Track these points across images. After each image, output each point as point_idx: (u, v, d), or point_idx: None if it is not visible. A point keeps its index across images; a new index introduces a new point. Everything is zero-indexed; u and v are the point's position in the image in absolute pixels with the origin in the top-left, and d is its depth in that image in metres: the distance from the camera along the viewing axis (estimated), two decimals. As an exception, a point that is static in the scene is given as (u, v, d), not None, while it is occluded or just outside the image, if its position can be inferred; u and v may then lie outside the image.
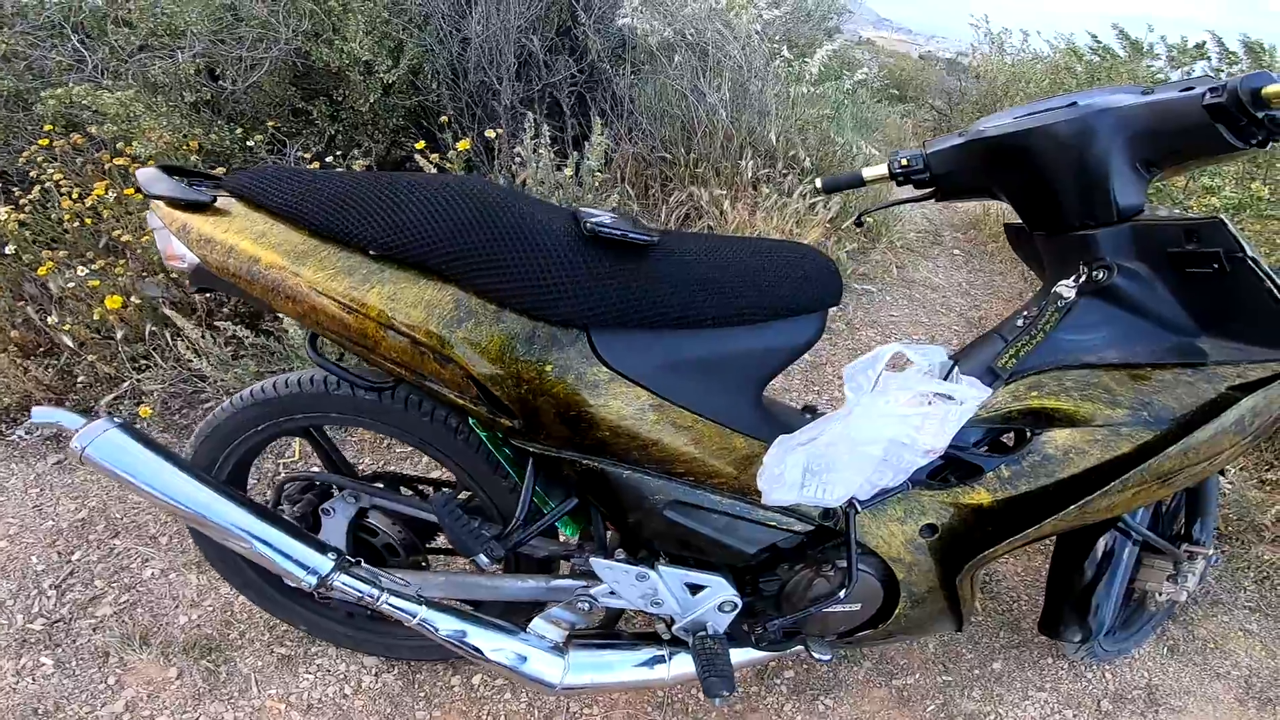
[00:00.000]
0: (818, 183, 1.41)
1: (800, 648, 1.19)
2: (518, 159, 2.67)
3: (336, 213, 0.90)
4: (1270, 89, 0.92)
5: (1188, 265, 1.06)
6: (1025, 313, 1.17)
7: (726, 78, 3.15)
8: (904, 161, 1.24)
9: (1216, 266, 1.03)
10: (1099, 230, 1.10)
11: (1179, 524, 1.61)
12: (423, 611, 1.05)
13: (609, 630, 1.28)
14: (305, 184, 0.93)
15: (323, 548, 1.04)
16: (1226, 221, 1.03)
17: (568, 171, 2.58)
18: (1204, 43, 3.86)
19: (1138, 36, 4.21)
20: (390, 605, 1.04)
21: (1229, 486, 2.18)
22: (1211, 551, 1.53)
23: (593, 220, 0.90)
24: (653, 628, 1.22)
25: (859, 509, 1.04)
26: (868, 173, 1.30)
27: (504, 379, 0.89)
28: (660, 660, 1.16)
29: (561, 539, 1.22)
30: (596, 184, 2.59)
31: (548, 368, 0.89)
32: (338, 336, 0.92)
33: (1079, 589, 1.46)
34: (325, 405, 1.10)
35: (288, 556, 1.00)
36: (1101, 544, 1.43)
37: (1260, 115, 0.95)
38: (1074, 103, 1.09)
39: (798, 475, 0.93)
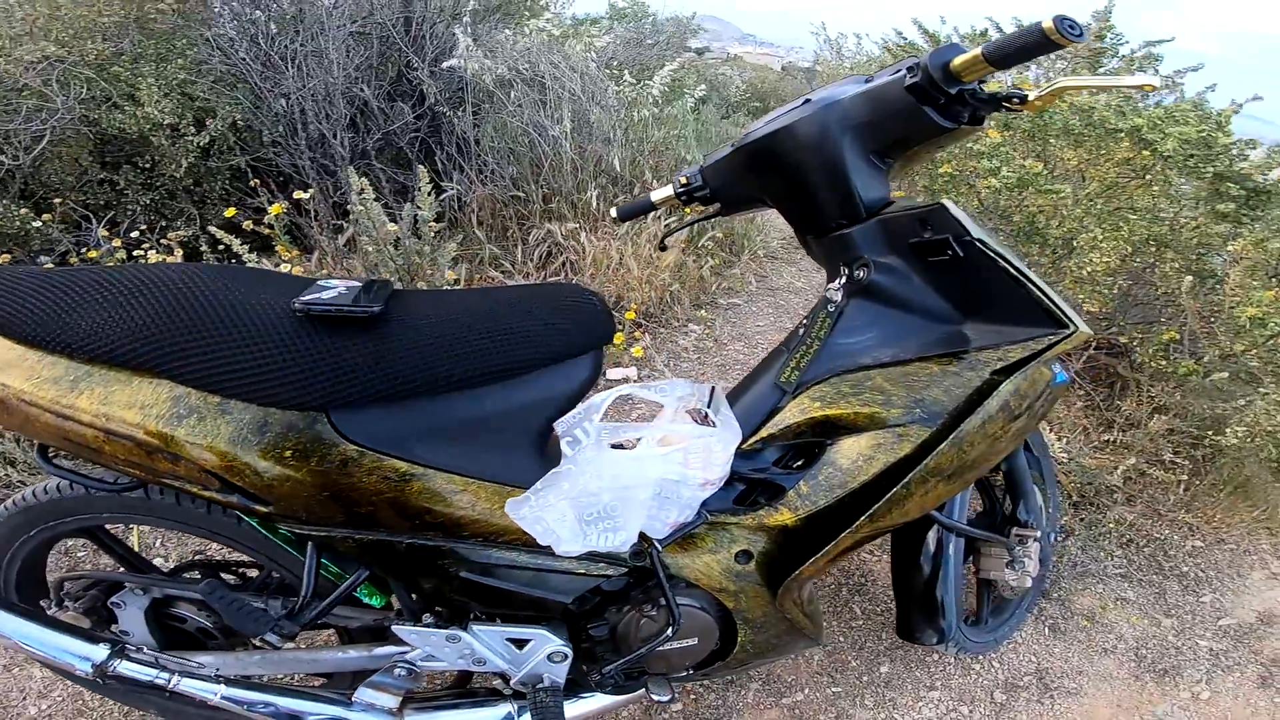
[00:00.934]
0: (613, 212, 1.38)
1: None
2: (354, 214, 2.56)
3: (38, 316, 0.83)
4: (958, 61, 0.91)
5: (929, 254, 1.06)
6: (805, 321, 1.16)
7: (566, 109, 3.17)
8: (684, 180, 1.23)
9: (951, 252, 1.03)
10: (853, 229, 1.09)
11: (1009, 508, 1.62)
12: (223, 689, 1.03)
13: (461, 689, 1.23)
14: (7, 287, 0.85)
15: (94, 638, 1.02)
16: (948, 205, 1.03)
17: (399, 225, 2.49)
18: (985, 30, 4.25)
19: (934, 29, 4.59)
20: (187, 687, 1.02)
21: (1065, 455, 2.32)
22: (1038, 532, 1.54)
23: (303, 299, 0.83)
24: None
25: (660, 547, 1.00)
26: (656, 195, 1.29)
27: (243, 469, 0.82)
28: (511, 716, 1.12)
29: (373, 606, 1.15)
30: (434, 234, 2.51)
31: (287, 453, 0.83)
32: (60, 445, 0.86)
33: (919, 590, 1.46)
34: (92, 507, 1.04)
35: (58, 650, 1.01)
36: (931, 541, 1.43)
37: (954, 91, 0.94)
38: (808, 99, 1.09)
39: (574, 526, 0.90)
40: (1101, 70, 3.03)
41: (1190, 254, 1.91)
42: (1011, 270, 1.04)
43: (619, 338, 2.71)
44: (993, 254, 1.03)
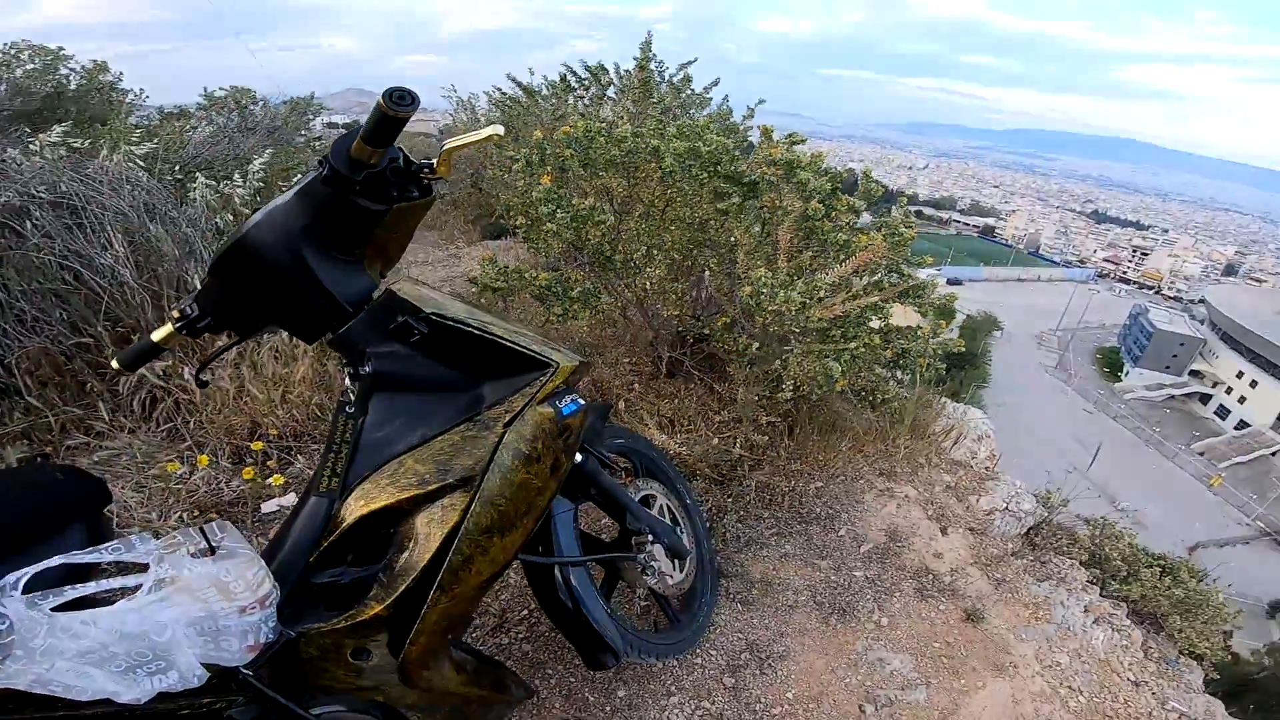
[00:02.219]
0: (114, 363, 1.20)
1: None
2: None
3: None
4: (356, 149, 0.92)
5: (409, 335, 1.08)
6: (332, 425, 1.15)
7: (115, 231, 2.68)
8: (177, 314, 1.09)
9: (420, 332, 1.07)
10: (343, 328, 1.07)
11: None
12: None
13: None
14: None
15: None
16: (396, 289, 1.07)
17: None
18: (564, 74, 4.72)
19: (535, 82, 4.97)
20: None
21: (673, 447, 2.55)
22: (649, 536, 1.63)
23: None
24: None
25: (250, 672, 0.95)
26: (157, 335, 1.14)
27: None
28: None
29: None
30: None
31: None
32: None
33: (574, 624, 1.50)
34: None
35: None
36: (557, 579, 1.46)
37: (363, 175, 0.95)
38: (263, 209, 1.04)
39: (109, 679, 0.82)
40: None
41: (721, 248, 2.26)
42: (475, 332, 1.10)
43: (248, 472, 2.36)
44: (453, 323, 1.08)
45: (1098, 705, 2.22)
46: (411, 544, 1.07)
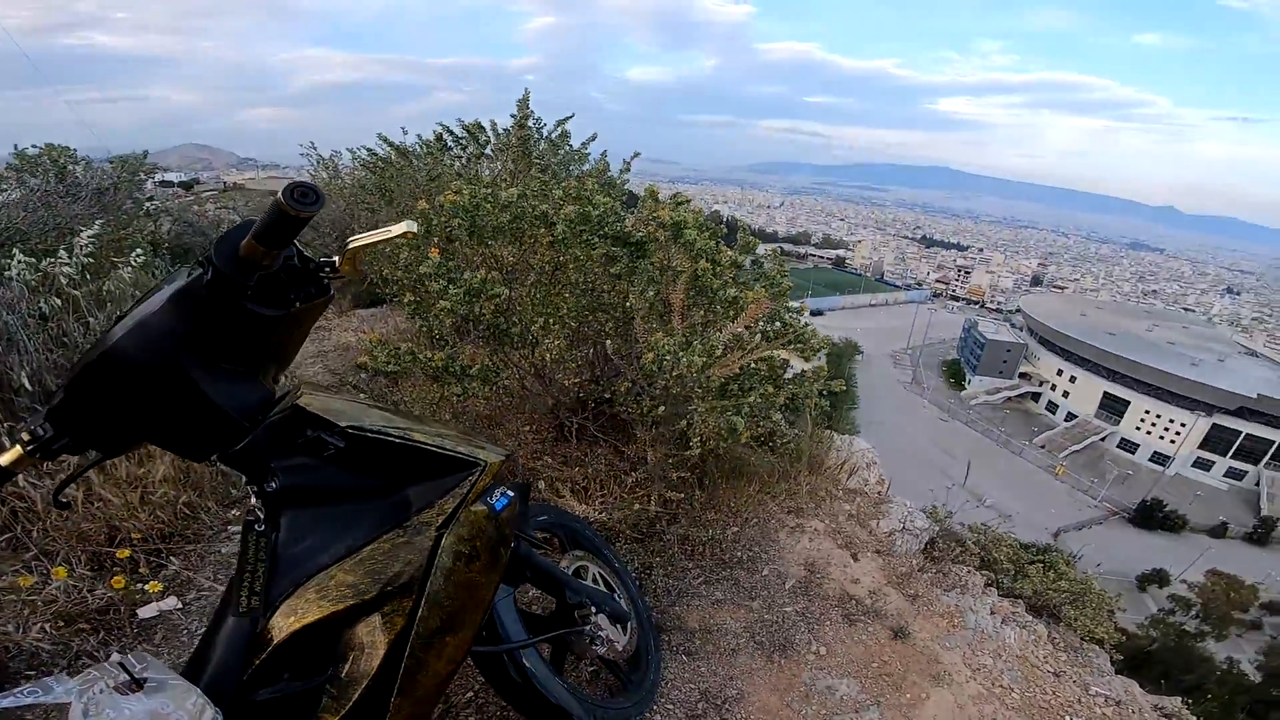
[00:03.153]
0: None
1: None
2: None
3: None
4: (247, 248, 0.83)
5: (319, 449, 1.02)
6: (241, 547, 1.07)
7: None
8: (27, 436, 0.93)
9: (335, 446, 1.02)
10: (241, 444, 0.98)
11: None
12: None
13: None
14: None
15: None
16: (303, 405, 1.01)
17: None
18: (440, 133, 4.67)
19: (409, 140, 4.87)
20: None
21: (592, 514, 2.55)
22: (592, 607, 1.68)
23: None
24: None
25: None
26: (4, 460, 0.95)
27: None
28: None
29: None
30: None
31: None
32: None
33: (534, 706, 1.50)
34: None
35: None
36: (508, 664, 1.46)
37: (255, 278, 0.87)
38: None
39: None
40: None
41: (617, 312, 2.28)
42: (397, 440, 1.07)
43: (118, 580, 2.05)
44: (373, 434, 1.04)
45: (1031, 699, 2.40)
46: (357, 653, 1.03)
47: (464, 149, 4.82)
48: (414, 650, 1.03)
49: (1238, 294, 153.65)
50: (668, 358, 1.89)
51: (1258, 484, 49.20)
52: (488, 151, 4.84)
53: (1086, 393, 59.07)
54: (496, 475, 1.19)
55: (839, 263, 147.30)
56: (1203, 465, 51.99)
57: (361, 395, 3.41)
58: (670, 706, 2.04)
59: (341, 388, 3.58)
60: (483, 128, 4.79)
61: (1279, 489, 48.07)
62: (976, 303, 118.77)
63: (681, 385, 2.01)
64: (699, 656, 2.28)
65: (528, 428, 3.17)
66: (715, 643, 2.34)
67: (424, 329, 2.19)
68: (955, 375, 69.79)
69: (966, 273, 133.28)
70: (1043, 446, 55.09)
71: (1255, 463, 50.30)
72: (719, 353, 1.93)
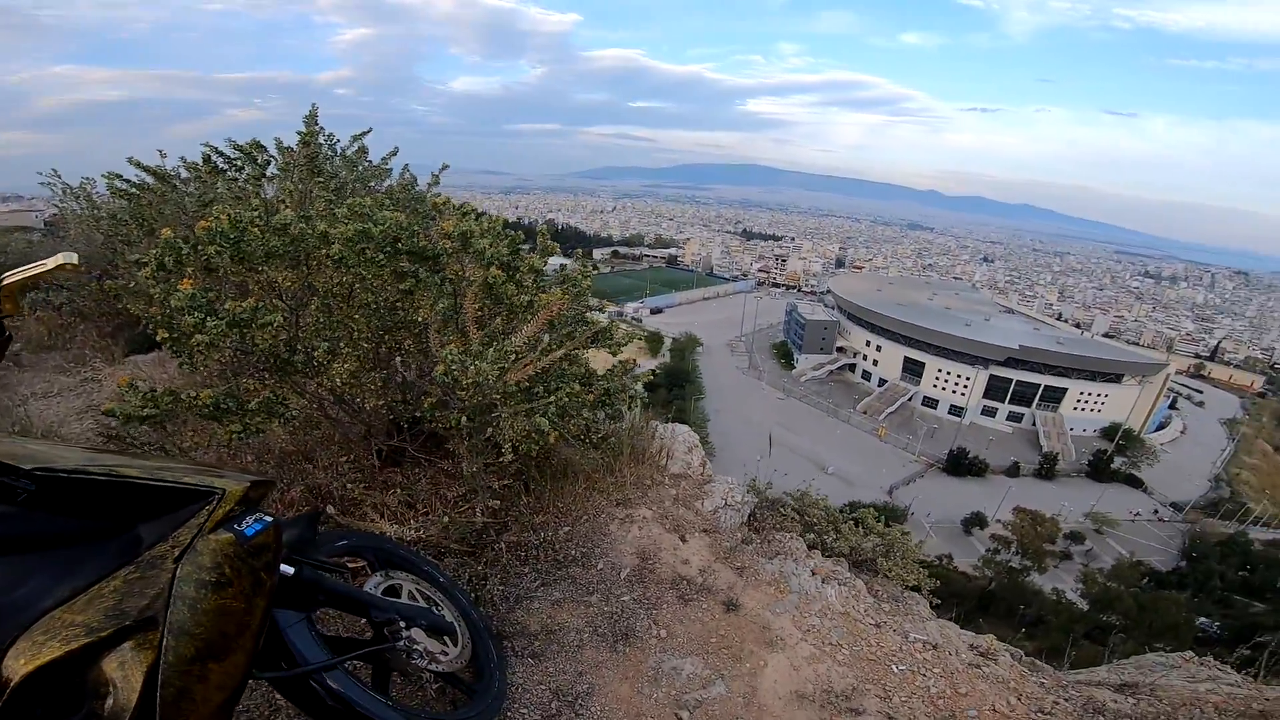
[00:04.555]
0: None
1: None
2: None
3: None
4: None
5: (11, 496, 1.01)
6: None
7: None
8: None
9: (24, 489, 1.01)
10: None
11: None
12: None
13: None
14: None
15: None
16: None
17: None
18: (210, 156, 4.24)
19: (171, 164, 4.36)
20: None
21: (410, 533, 2.50)
22: (400, 621, 1.69)
23: None
24: None
25: None
26: None
27: None
28: None
29: None
30: None
31: None
32: None
33: None
34: None
35: None
36: (321, 691, 1.46)
37: None
38: None
39: None
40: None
41: (414, 328, 2.22)
42: (100, 477, 1.06)
43: None
44: (67, 474, 1.03)
45: (858, 653, 2.62)
46: (112, 689, 1.00)
47: (240, 170, 4.38)
48: (169, 680, 1.02)
49: (992, 262, 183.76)
50: (456, 368, 1.88)
51: (1034, 424, 59.16)
52: (271, 172, 4.44)
53: (891, 359, 67.34)
54: (249, 501, 1.21)
55: (672, 261, 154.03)
56: (989, 413, 61.51)
57: (108, 442, 3.05)
58: (523, 710, 2.04)
59: (110, 441, 3.13)
60: (262, 146, 4.39)
61: (1050, 426, 58.24)
62: (794, 287, 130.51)
63: (482, 393, 2.01)
64: (545, 657, 2.30)
65: (345, 458, 2.98)
66: (560, 641, 2.37)
67: (183, 366, 1.98)
68: (785, 356, 76.14)
69: (783, 261, 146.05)
70: (864, 412, 61.91)
71: (1028, 405, 60.43)
72: (513, 358, 1.96)
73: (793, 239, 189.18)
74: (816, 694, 2.37)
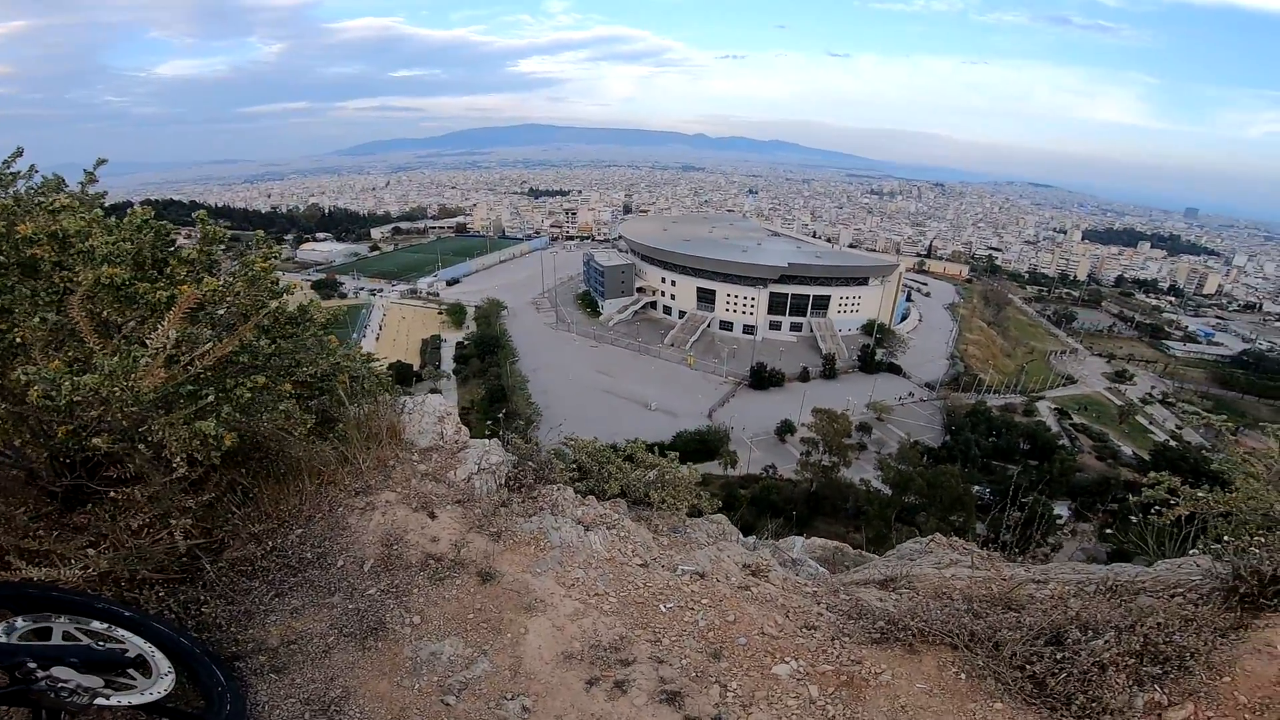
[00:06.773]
0: None
1: None
2: None
3: None
4: None
5: None
6: None
7: None
8: None
9: None
10: None
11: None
12: None
13: None
14: None
15: None
16: None
17: None
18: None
19: None
20: None
21: (94, 570, 2.17)
22: (20, 664, 1.58)
23: None
24: None
25: None
26: None
27: None
28: None
29: None
30: None
31: None
32: None
33: None
34: None
35: None
36: None
37: None
38: None
39: None
40: None
41: (16, 350, 1.86)
42: None
43: None
44: None
45: (626, 598, 2.57)
46: None
47: None
48: None
49: (756, 193, 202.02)
50: (49, 389, 1.62)
51: (812, 331, 67.05)
52: None
53: (686, 291, 71.84)
54: None
55: (461, 229, 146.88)
56: (775, 326, 68.55)
57: None
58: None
59: None
60: None
61: (824, 330, 66.40)
62: (588, 238, 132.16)
63: (120, 409, 1.76)
64: (290, 669, 2.15)
65: (20, 509, 2.48)
66: (304, 650, 2.23)
67: None
68: (590, 305, 77.46)
69: (574, 214, 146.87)
70: (671, 344, 65.67)
71: (804, 315, 68.28)
72: (144, 361, 1.73)
73: (580, 192, 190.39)
74: (584, 651, 2.32)
